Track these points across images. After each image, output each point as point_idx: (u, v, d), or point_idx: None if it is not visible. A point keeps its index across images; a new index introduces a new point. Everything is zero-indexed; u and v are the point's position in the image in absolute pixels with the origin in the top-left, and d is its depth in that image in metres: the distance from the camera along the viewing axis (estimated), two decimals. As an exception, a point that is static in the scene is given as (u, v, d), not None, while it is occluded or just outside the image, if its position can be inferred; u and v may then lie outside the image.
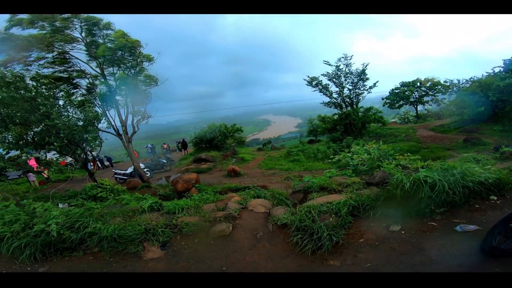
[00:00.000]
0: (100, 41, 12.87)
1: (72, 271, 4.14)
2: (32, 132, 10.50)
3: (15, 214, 4.90)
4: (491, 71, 24.97)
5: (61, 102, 11.23)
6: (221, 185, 10.93)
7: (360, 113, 24.42)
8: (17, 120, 9.70)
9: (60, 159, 13.40)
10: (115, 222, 4.81)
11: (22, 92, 9.49)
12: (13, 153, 11.39)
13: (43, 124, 9.91)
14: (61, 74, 13.19)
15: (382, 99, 36.55)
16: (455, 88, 31.43)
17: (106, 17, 12.59)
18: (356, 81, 24.89)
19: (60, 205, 6.72)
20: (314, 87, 25.78)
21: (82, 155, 11.72)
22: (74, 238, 4.48)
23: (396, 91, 35.66)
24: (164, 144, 30.45)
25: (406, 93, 34.95)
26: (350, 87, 25.25)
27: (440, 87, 33.49)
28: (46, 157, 12.94)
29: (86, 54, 13.00)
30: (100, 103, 13.06)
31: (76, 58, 13.07)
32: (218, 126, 25.91)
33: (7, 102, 9.27)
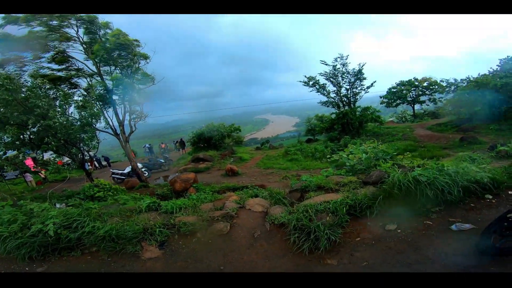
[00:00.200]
0: (97, 40, 12.84)
1: (70, 271, 4.14)
2: (29, 132, 10.45)
3: (13, 215, 4.90)
4: (487, 71, 25.24)
5: (58, 102, 11.16)
6: (219, 185, 10.94)
7: (357, 113, 24.48)
8: (12, 121, 9.62)
9: (57, 159, 13.35)
10: (113, 222, 4.82)
11: (13, 94, 9.39)
12: (10, 153, 11.33)
13: (39, 124, 9.85)
14: (60, 73, 13.15)
15: (380, 97, 36.75)
16: (452, 88, 31.67)
17: (107, 17, 12.56)
18: (353, 80, 24.95)
19: (58, 205, 6.72)
20: (311, 87, 25.81)
21: (79, 155, 11.68)
22: (72, 237, 4.49)
23: (393, 90, 35.86)
24: (162, 143, 30.44)
25: (404, 92, 35.14)
26: (348, 87, 25.31)
27: (436, 86, 33.72)
28: (43, 157, 12.89)
29: (83, 53, 12.97)
30: (97, 103, 13.02)
31: (73, 58, 13.03)
32: (216, 125, 25.89)
33: (0, 104, 9.22)
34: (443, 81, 32.97)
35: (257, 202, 5.68)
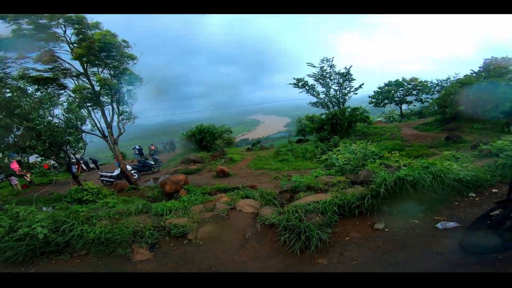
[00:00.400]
0: (84, 40, 12.58)
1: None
2: (13, 135, 10.15)
3: (-1, 218, 4.78)
4: (471, 71, 26.06)
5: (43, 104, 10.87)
6: (210, 186, 10.91)
7: (347, 113, 24.80)
8: None
9: (43, 162, 13.02)
10: (102, 225, 4.75)
11: None
12: None
13: (23, 127, 9.59)
14: (47, 74, 12.84)
15: (369, 97, 37.44)
16: (437, 88, 32.50)
17: (104, 18, 12.37)
18: (341, 81, 25.33)
19: (44, 209, 6.56)
20: (300, 87, 26.04)
21: (65, 158, 11.42)
22: (60, 241, 4.41)
23: (381, 90, 36.57)
24: (152, 145, 30.05)
25: (391, 92, 35.86)
26: (336, 88, 25.66)
27: (421, 86, 34.61)
28: (28, 160, 12.54)
29: (70, 53, 12.69)
30: (84, 104, 12.77)
31: (60, 58, 12.73)
32: (206, 127, 25.77)
33: None
34: (427, 82, 33.93)
35: (248, 203, 5.70)
